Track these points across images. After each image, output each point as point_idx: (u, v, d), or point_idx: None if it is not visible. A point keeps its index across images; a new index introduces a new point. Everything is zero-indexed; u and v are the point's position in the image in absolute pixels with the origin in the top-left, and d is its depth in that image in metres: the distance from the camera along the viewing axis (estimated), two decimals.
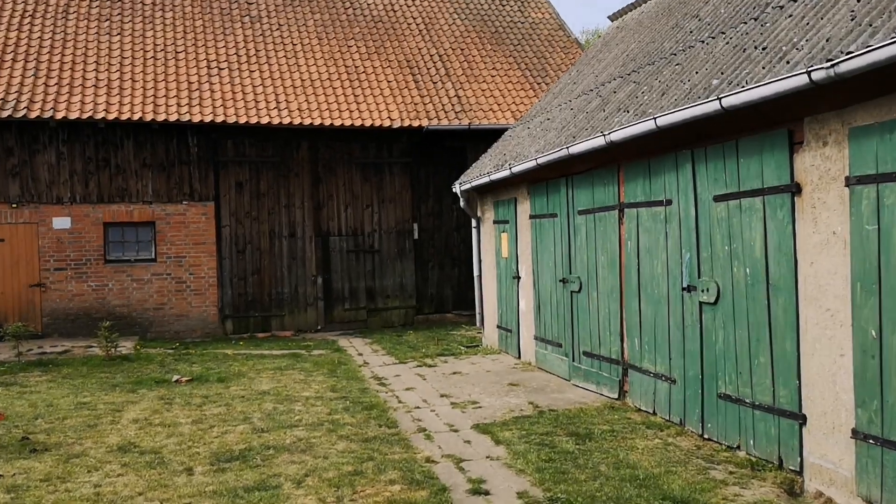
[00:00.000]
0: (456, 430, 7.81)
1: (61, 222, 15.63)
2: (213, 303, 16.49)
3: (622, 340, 8.72)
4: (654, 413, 7.98)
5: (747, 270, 6.49)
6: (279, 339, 16.20)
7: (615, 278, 8.83)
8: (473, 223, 14.02)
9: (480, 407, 8.87)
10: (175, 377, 11.38)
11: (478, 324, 14.12)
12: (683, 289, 7.39)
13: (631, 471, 6.15)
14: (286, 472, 6.33)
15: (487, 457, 6.79)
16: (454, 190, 13.84)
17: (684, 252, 7.40)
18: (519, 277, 11.96)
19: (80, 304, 15.73)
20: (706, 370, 7.06)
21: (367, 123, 16.83)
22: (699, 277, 7.16)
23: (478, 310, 14.02)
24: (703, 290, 7.06)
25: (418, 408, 8.95)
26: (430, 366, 11.98)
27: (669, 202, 7.65)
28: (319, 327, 17.16)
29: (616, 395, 8.79)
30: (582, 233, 9.62)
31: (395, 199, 17.72)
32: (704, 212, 7.06)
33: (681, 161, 7.42)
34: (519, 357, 12.08)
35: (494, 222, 13.02)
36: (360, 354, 13.64)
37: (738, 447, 6.62)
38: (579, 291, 9.73)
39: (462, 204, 13.71)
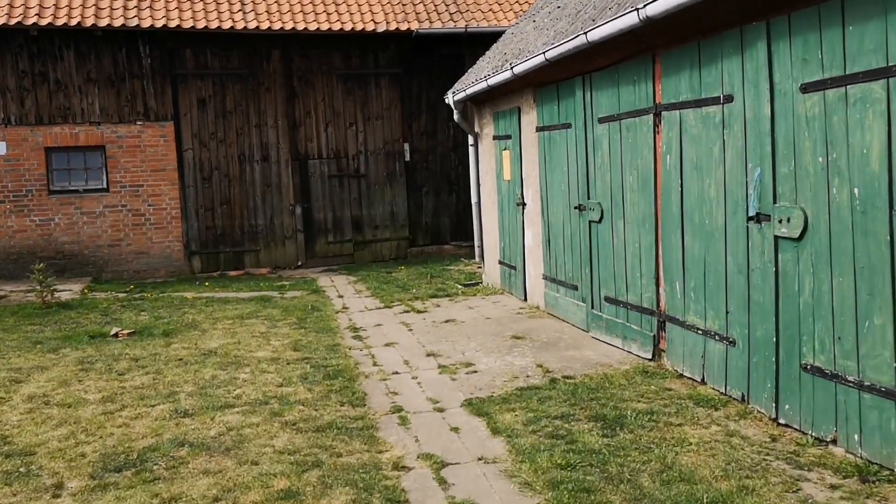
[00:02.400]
0: (441, 410, 5.89)
1: None
2: (176, 238, 14.52)
3: (657, 285, 6.72)
4: (704, 381, 6.03)
5: (855, 191, 4.43)
6: (253, 277, 14.29)
7: (648, 204, 6.78)
8: (470, 140, 11.88)
9: (476, 371, 6.95)
10: (114, 330, 9.50)
11: (477, 258, 12.14)
12: (750, 218, 5.34)
13: (687, 487, 4.21)
14: (189, 494, 4.42)
15: (481, 458, 4.88)
16: (447, 101, 11.66)
17: (751, 167, 5.32)
18: (524, 204, 9.91)
19: (23, 242, 13.77)
20: (783, 331, 5.07)
21: (348, 27, 14.50)
22: (775, 203, 5.09)
23: (476, 242, 12.01)
24: (780, 221, 5.01)
25: (397, 373, 7.03)
26: (419, 311, 10.04)
27: (729, 98, 5.53)
28: (300, 263, 15.21)
29: (649, 355, 6.84)
30: (603, 146, 7.52)
31: (383, 115, 15.52)
32: (785, 108, 4.95)
33: (750, 38, 5.26)
34: (525, 299, 10.13)
35: (494, 138, 10.88)
36: (341, 296, 11.71)
37: (834, 441, 4.68)
38: (600, 221, 7.69)
39: (456, 117, 11.55)
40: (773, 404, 5.17)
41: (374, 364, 7.40)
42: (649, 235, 6.80)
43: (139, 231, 14.30)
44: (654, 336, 6.77)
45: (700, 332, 6.05)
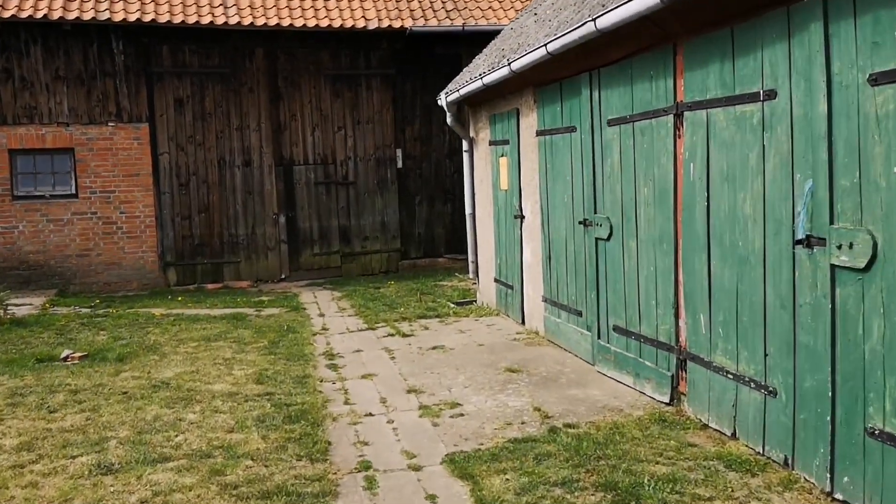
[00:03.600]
0: (418, 468, 4.87)
1: None
2: (151, 248, 13.51)
3: (677, 316, 5.70)
4: (735, 436, 5.01)
5: None
6: (232, 291, 13.28)
7: (666, 221, 5.77)
8: (465, 146, 10.89)
9: (463, 414, 5.92)
10: (65, 353, 8.50)
11: (471, 274, 11.13)
12: (798, 242, 4.33)
13: None
14: None
15: None
16: (440, 102, 10.67)
17: (800, 178, 4.32)
18: (522, 217, 8.91)
19: None
20: (842, 384, 4.06)
21: (337, 24, 13.53)
22: (832, 223, 4.09)
23: (470, 257, 11.00)
24: (839, 246, 4.01)
25: (370, 415, 6.01)
26: (405, 334, 9.03)
27: (771, 94, 4.53)
28: (283, 276, 14.20)
29: (667, 399, 5.82)
30: (613, 153, 6.52)
31: (374, 119, 14.53)
32: (847, 105, 3.95)
33: (800, 18, 4.26)
34: (522, 322, 9.11)
35: (491, 143, 9.89)
36: (322, 315, 10.70)
37: None
38: (608, 239, 6.68)
39: (450, 120, 10.56)
40: (828, 475, 4.15)
41: (346, 402, 6.38)
42: (667, 257, 5.79)
43: (110, 240, 13.30)
44: (673, 376, 5.75)
45: (730, 375, 5.03)
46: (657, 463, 4.70)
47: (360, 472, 4.84)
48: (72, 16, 12.31)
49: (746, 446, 4.87)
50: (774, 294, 4.58)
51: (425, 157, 14.90)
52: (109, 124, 13.14)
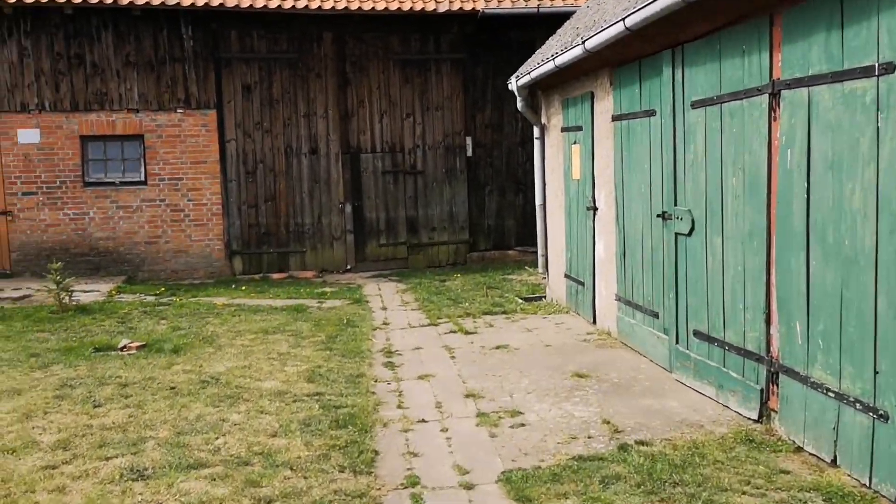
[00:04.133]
0: (470, 487, 4.39)
1: (28, 135, 12.68)
2: (217, 236, 13.41)
3: (768, 322, 5.05)
4: (835, 463, 4.36)
5: None
6: (297, 281, 13.06)
7: (758, 214, 5.11)
8: (536, 132, 10.31)
9: (524, 424, 5.41)
10: (123, 342, 8.36)
11: (540, 269, 10.57)
12: None
13: None
14: None
15: None
16: (510, 87, 10.12)
17: None
18: (596, 209, 8.30)
19: (56, 237, 12.88)
20: None
21: (407, 7, 13.10)
22: None
23: (540, 251, 10.43)
24: None
25: (423, 422, 5.56)
26: (467, 332, 8.55)
27: (889, 68, 3.85)
28: (348, 267, 13.91)
29: (754, 415, 5.18)
30: (697, 138, 5.88)
31: (444, 105, 14.07)
32: None
33: None
34: (594, 322, 8.52)
35: (563, 130, 9.29)
36: (384, 308, 10.32)
37: None
38: (689, 234, 6.04)
39: (520, 106, 9.99)
40: None
41: (400, 405, 5.95)
42: (758, 256, 5.14)
43: (178, 228, 13.25)
44: (762, 390, 5.10)
45: (831, 394, 4.37)
46: (744, 493, 4.09)
47: (406, 488, 4.39)
48: (141, 1, 12.23)
49: (849, 476, 4.21)
50: (888, 302, 3.91)
51: (496, 146, 14.36)
52: (178, 111, 13.06)
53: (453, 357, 7.48)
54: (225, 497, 4.23)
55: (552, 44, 9.63)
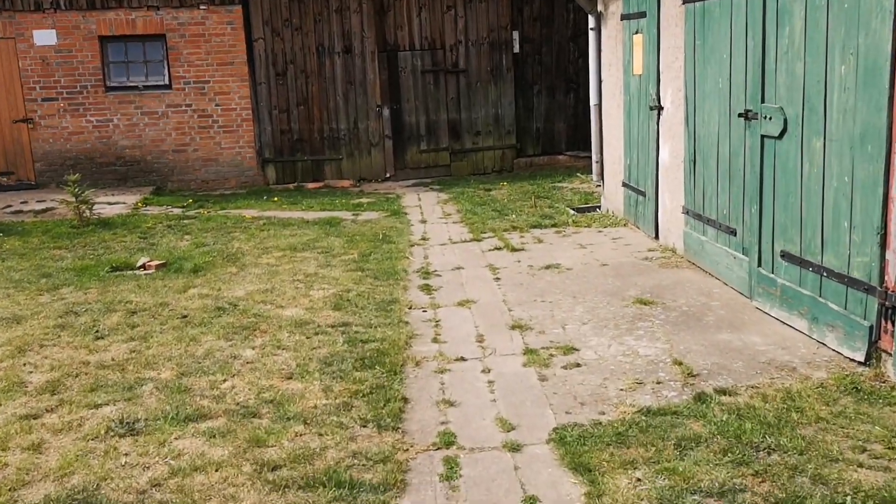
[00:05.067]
0: (516, 449, 3.65)
1: (44, 36, 11.90)
2: (248, 143, 12.64)
3: (883, 245, 4.11)
4: None
5: None
6: (333, 190, 12.30)
7: (875, 112, 4.09)
8: (590, 23, 9.14)
9: (579, 364, 4.62)
10: (142, 260, 7.76)
11: (594, 176, 9.59)
12: None
13: None
14: None
15: None
16: None
17: None
18: (660, 108, 7.25)
19: (80, 146, 12.26)
20: None
21: None
22: None
23: (594, 157, 9.43)
24: None
25: (462, 359, 4.81)
26: (514, 248, 7.72)
27: None
28: (388, 175, 13.07)
29: (860, 356, 4.29)
30: (795, 18, 4.78)
31: None
32: None
33: None
34: (656, 237, 7.60)
35: (623, 18, 8.14)
36: (423, 221, 9.53)
37: None
38: (780, 136, 5.03)
39: None
40: None
41: (435, 339, 5.20)
42: (872, 164, 4.14)
43: (206, 135, 12.50)
44: (872, 327, 4.20)
45: None
46: (860, 465, 3.26)
47: (438, 449, 3.67)
48: None
49: None
50: None
51: (545, 41, 13.14)
52: (201, 7, 12.10)
53: (498, 279, 6.68)
54: (223, 461, 3.56)
55: None
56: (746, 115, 5.47)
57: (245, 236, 8.89)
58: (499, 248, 7.80)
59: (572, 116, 13.36)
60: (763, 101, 5.22)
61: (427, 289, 6.48)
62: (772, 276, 5.21)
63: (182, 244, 8.62)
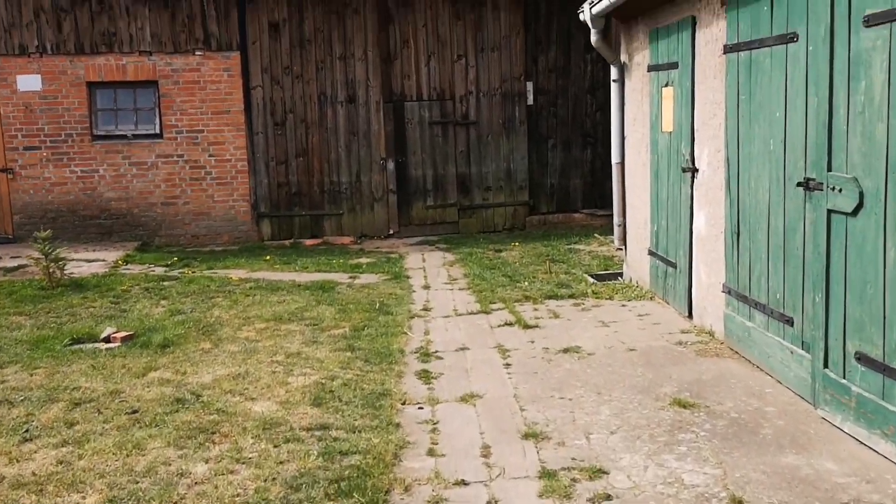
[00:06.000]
0: None
1: (28, 82, 11.24)
2: (242, 196, 11.86)
3: None
4: None
5: None
6: (332, 248, 11.45)
7: None
8: (613, 74, 8.34)
9: (609, 497, 3.67)
10: (107, 331, 6.89)
11: (615, 240, 8.70)
12: None
13: None
14: None
15: None
16: (581, 17, 8.15)
17: None
18: (695, 170, 6.39)
19: (63, 198, 11.50)
20: None
21: None
22: None
23: (616, 219, 8.55)
24: None
25: (462, 483, 3.86)
26: (527, 325, 6.79)
27: None
28: (391, 232, 12.24)
29: None
30: (874, 71, 3.92)
31: (501, 45, 12.13)
32: None
33: None
34: (689, 315, 6.66)
35: (650, 69, 7.33)
36: (427, 287, 8.64)
37: None
38: (854, 213, 4.13)
39: (594, 39, 8.02)
40: None
41: (431, 451, 4.26)
42: None
43: (198, 187, 11.73)
44: None
45: None
46: None
47: None
48: None
49: None
50: None
51: (561, 92, 12.39)
52: (196, 53, 11.44)
53: (508, 365, 5.75)
54: None
55: None
56: (807, 185, 4.59)
57: (228, 302, 8.01)
58: (510, 324, 6.88)
59: (589, 173, 12.54)
60: (830, 170, 4.33)
61: (425, 376, 5.55)
62: (843, 381, 4.26)
63: (156, 311, 7.75)
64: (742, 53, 5.39)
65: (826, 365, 4.44)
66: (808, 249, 4.64)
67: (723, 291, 5.89)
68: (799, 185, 4.67)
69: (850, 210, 4.16)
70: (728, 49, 5.61)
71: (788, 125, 4.82)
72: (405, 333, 6.73)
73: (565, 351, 6.01)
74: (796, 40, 4.67)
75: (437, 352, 6.18)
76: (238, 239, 11.85)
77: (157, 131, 11.56)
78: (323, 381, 5.44)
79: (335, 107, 11.89)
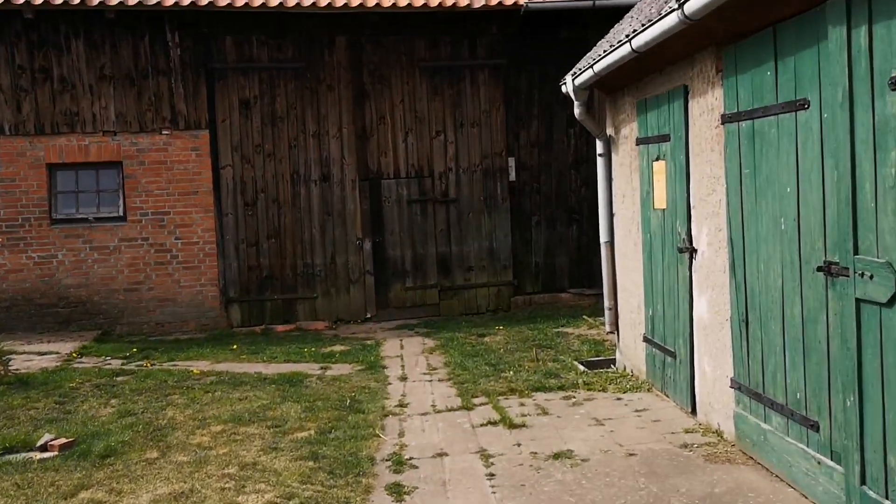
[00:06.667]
0: None
1: None
2: (210, 280, 11.20)
3: None
4: None
5: None
6: (305, 334, 10.76)
7: None
8: (598, 148, 7.87)
9: None
10: (45, 438, 6.15)
11: (607, 325, 8.08)
12: None
13: None
14: None
15: None
16: (564, 89, 7.72)
17: None
18: (693, 250, 5.83)
19: (18, 285, 10.80)
20: None
21: (434, 3, 10.86)
22: None
23: (606, 302, 7.94)
24: None
25: None
26: (513, 424, 6.09)
27: None
28: (368, 315, 11.57)
29: None
30: None
31: (481, 121, 11.74)
32: None
33: None
34: (692, 411, 5.99)
35: (639, 142, 6.85)
36: (403, 378, 7.95)
37: None
38: (890, 303, 3.53)
39: (578, 112, 7.57)
40: None
41: None
42: None
43: (163, 272, 11.07)
44: None
45: None
46: None
47: None
48: (115, 1, 10.16)
49: None
50: None
51: (544, 168, 11.96)
52: (163, 132, 10.95)
53: (492, 476, 5.04)
54: None
55: (621, 29, 7.22)
56: (829, 270, 4.01)
57: (184, 400, 7.27)
58: (493, 423, 6.18)
59: (575, 250, 12.01)
60: (857, 252, 3.76)
61: (397, 492, 4.83)
62: (886, 503, 3.59)
63: (104, 412, 6.99)
64: (743, 123, 4.89)
65: (864, 481, 3.77)
66: (834, 344, 4.02)
67: (731, 387, 5.24)
68: (819, 269, 4.08)
69: (884, 300, 3.56)
70: (726, 119, 5.11)
71: (802, 202, 4.27)
72: (377, 436, 6.01)
73: (556, 457, 5.31)
74: (807, 107, 4.16)
75: (411, 459, 5.45)
76: (205, 326, 11.13)
77: (121, 214, 10.96)
78: (278, 500, 4.70)
79: (309, 185, 11.37)
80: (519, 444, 5.63)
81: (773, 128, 4.54)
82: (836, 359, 4.02)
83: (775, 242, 4.59)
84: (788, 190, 4.40)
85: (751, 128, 4.80)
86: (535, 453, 5.41)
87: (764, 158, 4.66)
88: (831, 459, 4.10)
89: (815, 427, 4.24)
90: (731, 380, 5.24)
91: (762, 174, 4.70)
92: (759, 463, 4.90)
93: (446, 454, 5.53)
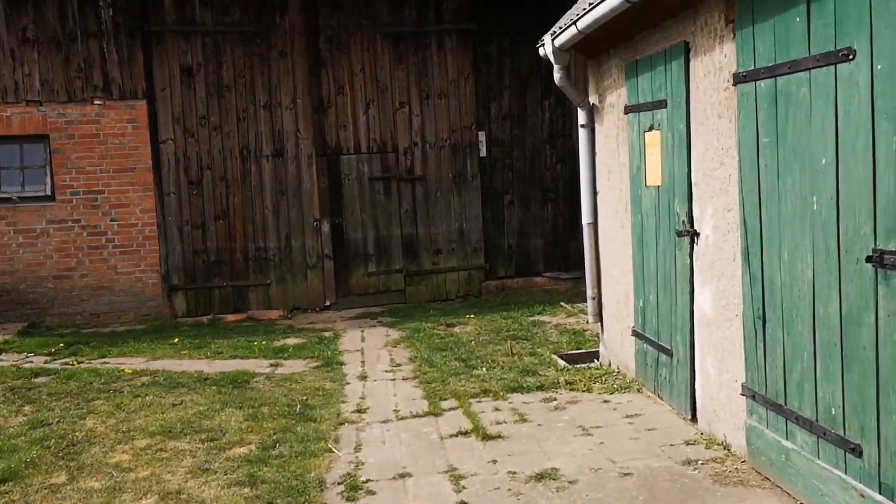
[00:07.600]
0: None
1: None
2: (151, 266, 10.21)
3: None
4: None
5: None
6: (257, 324, 9.86)
7: None
8: (580, 118, 7.01)
9: None
10: None
11: (590, 316, 7.27)
12: None
13: None
14: None
15: None
16: (541, 51, 6.84)
17: None
18: (694, 234, 5.03)
19: None
20: None
21: None
22: None
23: (589, 291, 7.12)
24: None
25: None
26: (486, 435, 5.27)
27: None
28: (328, 303, 10.69)
29: None
30: None
31: (449, 92, 10.84)
32: None
33: None
34: (692, 417, 5.22)
35: (627, 110, 6.01)
36: (363, 377, 7.10)
37: None
38: None
39: (557, 78, 6.70)
40: None
41: None
42: None
43: (98, 257, 10.06)
44: None
45: None
46: None
47: None
48: None
49: None
50: None
51: (517, 143, 11.10)
52: (95, 102, 9.90)
53: (463, 503, 4.22)
54: None
55: None
56: (880, 261, 3.21)
57: (109, 407, 6.36)
58: (465, 433, 5.35)
59: (551, 232, 11.21)
60: None
61: None
62: None
63: (13, 423, 6.06)
64: (762, 83, 4.06)
65: None
66: (886, 352, 3.24)
67: (743, 394, 4.46)
68: (868, 259, 3.29)
69: None
70: (740, 78, 4.28)
71: (843, 177, 3.47)
72: (330, 451, 5.16)
73: (539, 478, 4.50)
74: (852, 58, 3.34)
75: (368, 482, 4.61)
76: (146, 316, 10.16)
77: (49, 193, 9.91)
78: None
79: (260, 162, 10.40)
80: (495, 462, 4.81)
81: (802, 86, 3.72)
82: (887, 370, 3.24)
83: (804, 226, 3.78)
84: (823, 162, 3.59)
85: (772, 88, 3.97)
86: (514, 473, 4.60)
87: (790, 124, 3.85)
88: (880, 493, 3.33)
89: (856, 451, 3.47)
90: (743, 386, 4.45)
91: (787, 144, 3.88)
92: (777, 486, 4.13)
93: (410, 475, 4.69)
